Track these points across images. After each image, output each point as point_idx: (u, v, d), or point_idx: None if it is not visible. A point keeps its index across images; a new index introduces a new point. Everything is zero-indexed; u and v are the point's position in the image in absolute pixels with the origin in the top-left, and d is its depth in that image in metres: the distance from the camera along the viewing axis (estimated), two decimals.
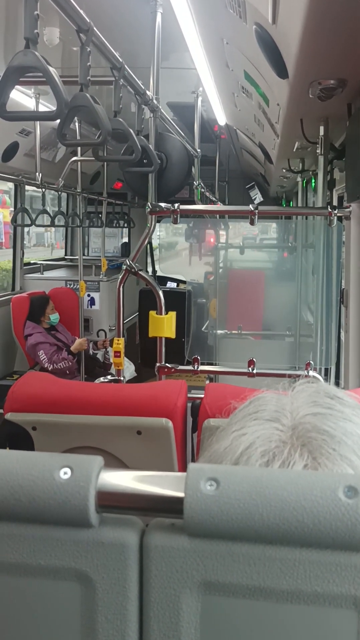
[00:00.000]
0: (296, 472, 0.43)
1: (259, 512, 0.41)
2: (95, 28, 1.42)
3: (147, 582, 0.44)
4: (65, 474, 0.44)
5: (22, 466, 0.45)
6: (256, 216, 2.24)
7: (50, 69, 1.17)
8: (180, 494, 0.42)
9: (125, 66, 1.79)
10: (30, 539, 0.45)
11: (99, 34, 1.49)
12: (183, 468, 1.56)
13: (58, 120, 1.38)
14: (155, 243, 7.75)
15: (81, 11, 1.32)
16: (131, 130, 1.85)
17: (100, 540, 0.44)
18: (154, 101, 2.31)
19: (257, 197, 8.30)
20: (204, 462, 0.55)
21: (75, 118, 4.07)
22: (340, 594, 0.41)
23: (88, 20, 1.37)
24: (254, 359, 2.34)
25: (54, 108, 1.21)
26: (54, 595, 0.45)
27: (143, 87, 2.10)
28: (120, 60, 1.73)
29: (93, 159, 3.07)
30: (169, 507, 0.43)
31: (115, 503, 0.44)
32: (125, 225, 7.11)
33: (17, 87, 3.16)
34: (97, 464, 0.44)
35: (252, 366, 2.34)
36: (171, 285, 6.02)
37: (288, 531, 0.41)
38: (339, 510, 0.40)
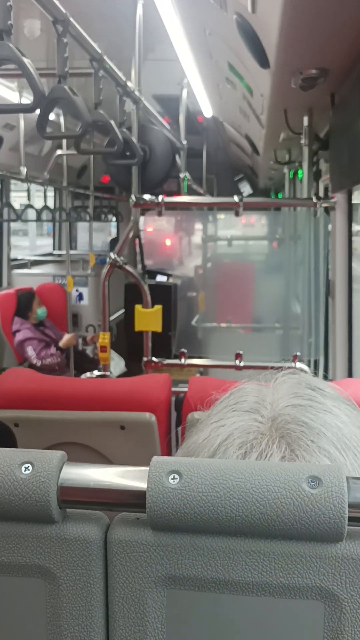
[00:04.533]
0: (261, 464, 0.42)
1: (222, 505, 0.40)
2: (72, 19, 1.40)
3: (112, 577, 0.43)
4: (26, 469, 0.43)
5: None
6: (241, 208, 2.23)
7: (26, 60, 1.16)
8: (143, 488, 0.42)
9: (105, 58, 1.77)
10: None
11: (76, 25, 1.47)
12: None
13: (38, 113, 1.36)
14: None
15: (56, 1, 1.30)
16: (112, 122, 1.83)
17: (63, 536, 0.43)
18: (136, 93, 2.29)
19: (247, 189, 8.29)
20: (183, 454, 0.54)
21: (60, 111, 4.04)
22: (305, 585, 0.40)
23: (64, 11, 1.35)
24: (240, 352, 2.34)
25: None
26: (18, 592, 0.45)
27: (124, 79, 2.08)
28: (99, 51, 1.71)
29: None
30: (132, 501, 0.43)
31: (78, 498, 0.44)
32: (113, 219, 7.07)
33: (0, 80, 3.13)
34: (58, 459, 0.44)
35: (239, 359, 2.33)
36: (161, 278, 5.98)
37: (252, 523, 0.40)
38: (302, 501, 0.39)
